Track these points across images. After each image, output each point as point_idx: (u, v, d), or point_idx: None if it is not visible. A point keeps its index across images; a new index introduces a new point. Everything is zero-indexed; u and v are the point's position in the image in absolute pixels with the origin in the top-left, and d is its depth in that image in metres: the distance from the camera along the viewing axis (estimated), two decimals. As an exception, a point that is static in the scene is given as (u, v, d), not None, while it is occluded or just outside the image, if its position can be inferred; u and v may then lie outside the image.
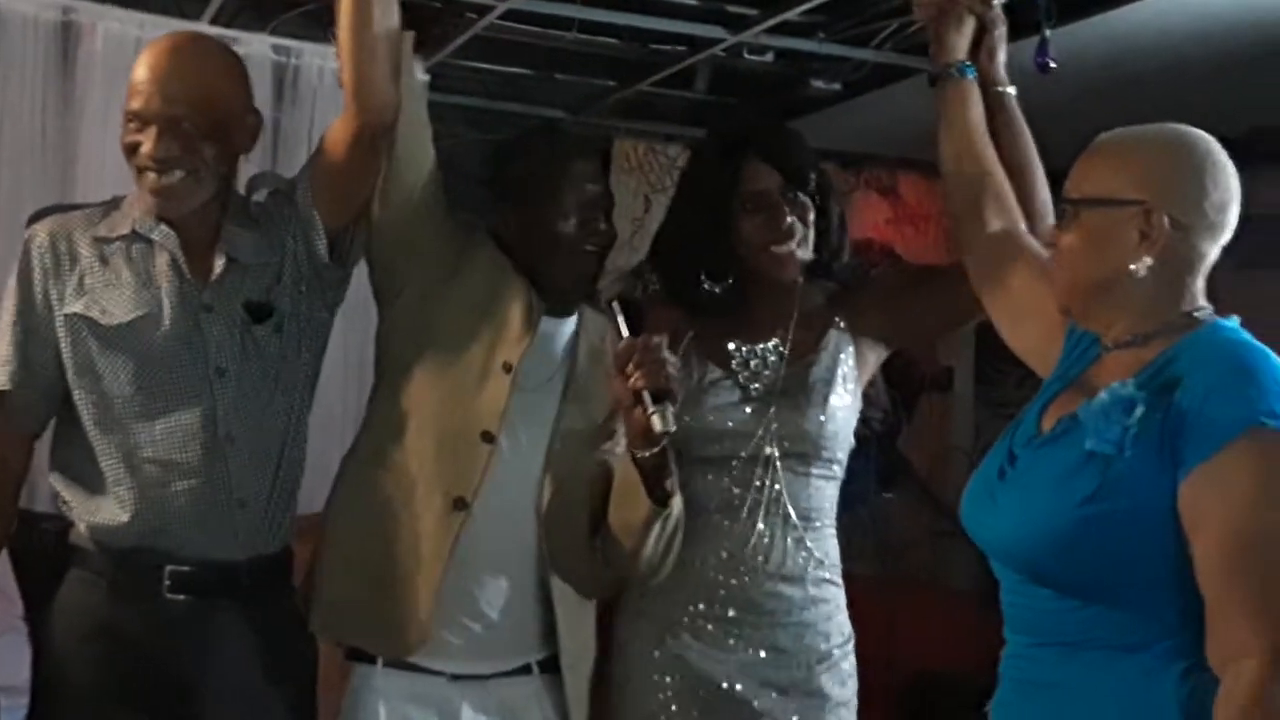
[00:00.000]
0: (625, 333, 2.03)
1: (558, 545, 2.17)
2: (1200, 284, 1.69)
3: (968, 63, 2.14)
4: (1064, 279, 1.73)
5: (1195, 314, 1.67)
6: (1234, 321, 1.67)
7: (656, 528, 2.08)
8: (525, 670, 2.20)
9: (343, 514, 2.22)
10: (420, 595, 2.12)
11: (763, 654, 2.22)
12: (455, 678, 2.16)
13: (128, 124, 2.09)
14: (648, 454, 2.03)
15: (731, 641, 2.21)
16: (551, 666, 2.21)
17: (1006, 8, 2.22)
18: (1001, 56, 2.19)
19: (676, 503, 2.10)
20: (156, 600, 2.08)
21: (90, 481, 2.10)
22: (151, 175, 2.08)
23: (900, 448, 5.26)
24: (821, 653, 2.24)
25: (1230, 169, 1.67)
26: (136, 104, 2.07)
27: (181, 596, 2.08)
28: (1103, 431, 1.59)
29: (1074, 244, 1.70)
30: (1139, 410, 1.58)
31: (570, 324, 2.26)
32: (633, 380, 1.99)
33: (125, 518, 2.07)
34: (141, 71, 2.08)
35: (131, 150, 2.08)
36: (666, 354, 2.01)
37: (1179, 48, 3.62)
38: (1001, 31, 2.19)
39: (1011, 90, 2.19)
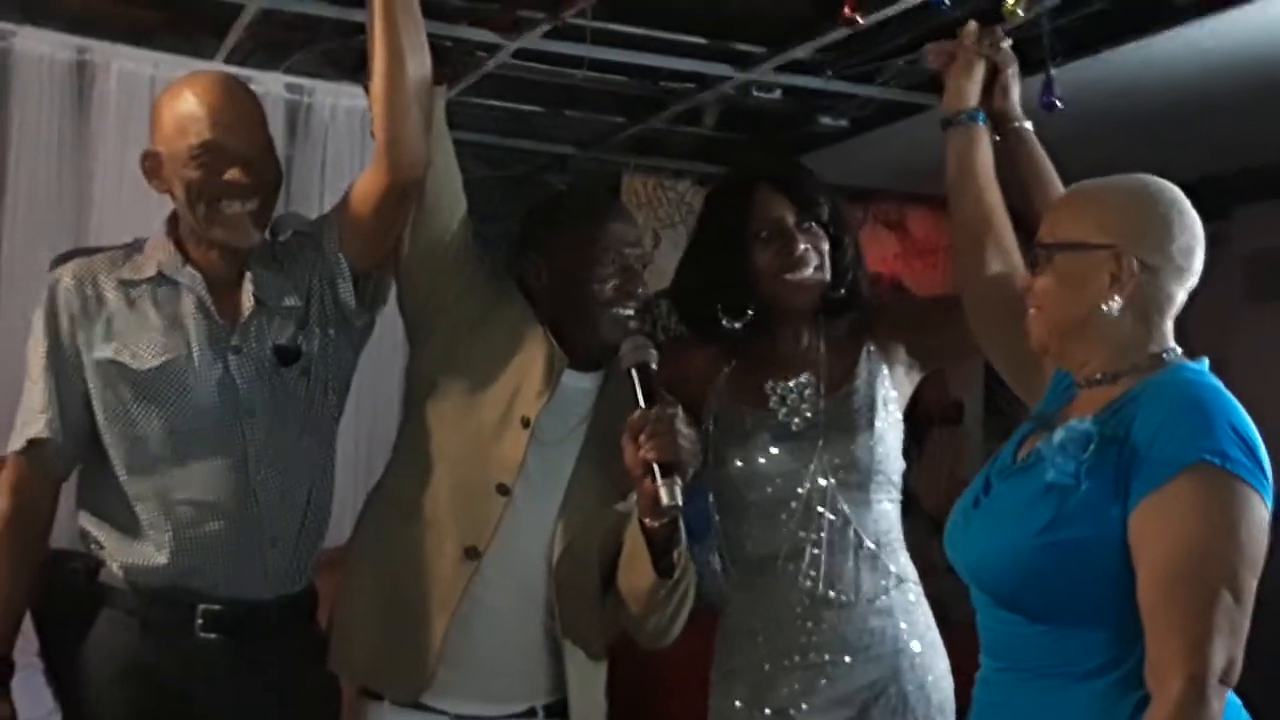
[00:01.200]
0: (641, 402, 2.02)
1: (567, 602, 2.17)
2: (1169, 325, 1.77)
3: (978, 109, 2.17)
4: (1041, 320, 1.81)
5: (1163, 355, 1.76)
6: (1202, 364, 1.76)
7: (662, 597, 2.08)
8: (531, 715, 2.20)
9: (363, 555, 2.24)
10: (429, 641, 2.13)
11: (861, 690, 2.18)
12: (459, 718, 2.16)
13: (195, 158, 2.08)
14: (656, 525, 2.03)
15: (823, 682, 2.17)
16: (558, 710, 2.21)
17: (1014, 46, 2.24)
18: (1015, 94, 2.22)
19: (688, 574, 2.10)
20: (188, 639, 2.09)
21: (123, 522, 2.11)
22: (230, 205, 2.10)
23: (910, 480, 5.26)
24: (920, 678, 2.20)
25: (1194, 215, 1.76)
26: (215, 136, 2.08)
27: (213, 635, 2.10)
28: (1061, 464, 1.68)
29: (1048, 286, 1.79)
30: (1093, 445, 1.66)
31: (592, 380, 2.25)
32: (643, 451, 1.98)
33: (162, 559, 2.09)
34: (207, 107, 2.08)
35: (206, 181, 2.08)
36: (680, 426, 2.00)
37: (1183, 85, 3.65)
38: (1014, 70, 2.22)
39: (1028, 125, 2.22)
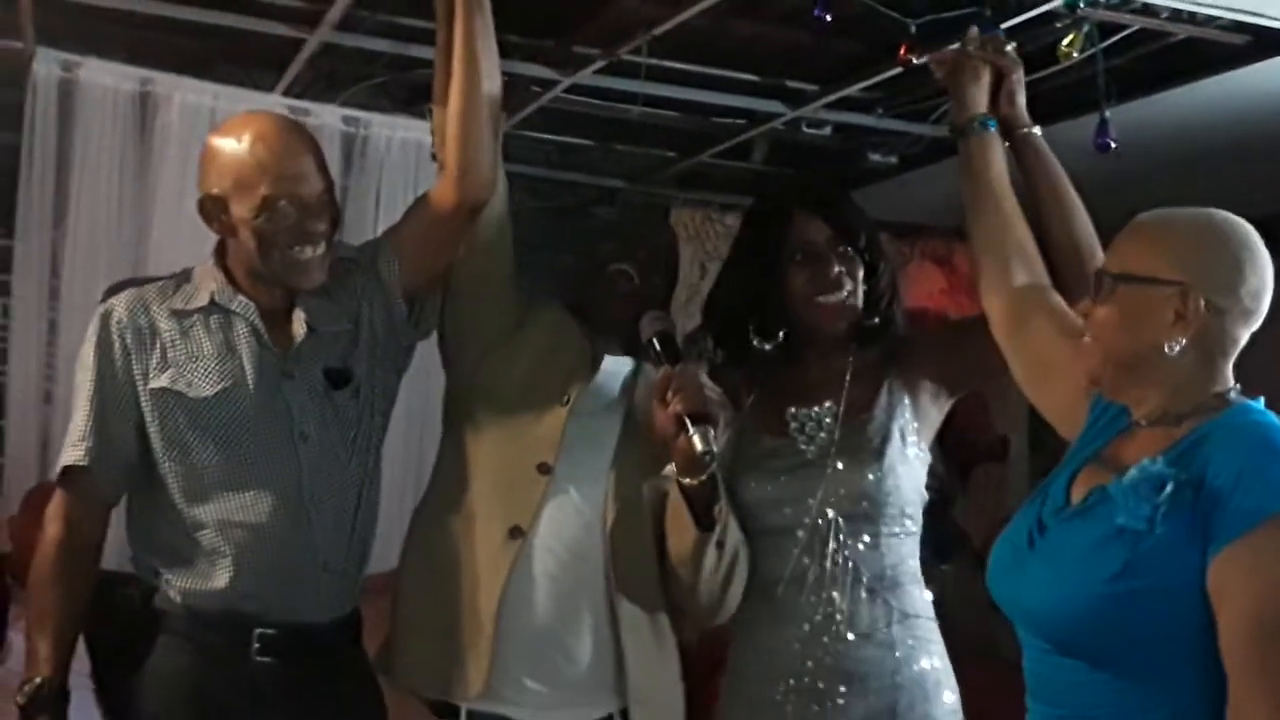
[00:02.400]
0: (666, 365, 2.06)
1: (624, 565, 2.16)
2: (1230, 366, 1.71)
3: (988, 115, 2.15)
4: (1096, 351, 1.74)
5: (1227, 394, 1.69)
6: (1259, 402, 1.69)
7: (710, 557, 2.08)
8: None
9: (411, 564, 2.26)
10: (481, 625, 2.12)
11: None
12: None
13: (272, 208, 2.08)
14: (695, 481, 2.05)
15: (816, 709, 2.16)
16: None
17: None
18: (1021, 99, 2.18)
19: (732, 533, 2.10)
20: (245, 663, 2.10)
21: (180, 548, 2.12)
22: (306, 252, 2.12)
23: (956, 518, 5.23)
24: (918, 715, 2.18)
25: (1266, 256, 1.69)
26: (285, 188, 2.08)
27: (269, 659, 2.11)
28: (1134, 508, 1.60)
29: (1109, 318, 1.71)
30: (1169, 488, 1.59)
31: (628, 363, 2.30)
32: (672, 405, 2.01)
33: (220, 583, 2.10)
34: (273, 156, 2.09)
35: (278, 232, 2.09)
36: (705, 380, 2.03)
37: (1236, 126, 3.64)
38: (1019, 75, 2.18)
39: (1037, 130, 2.18)
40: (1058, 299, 1.99)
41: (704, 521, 2.07)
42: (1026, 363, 1.97)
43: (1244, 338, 1.70)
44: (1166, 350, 1.67)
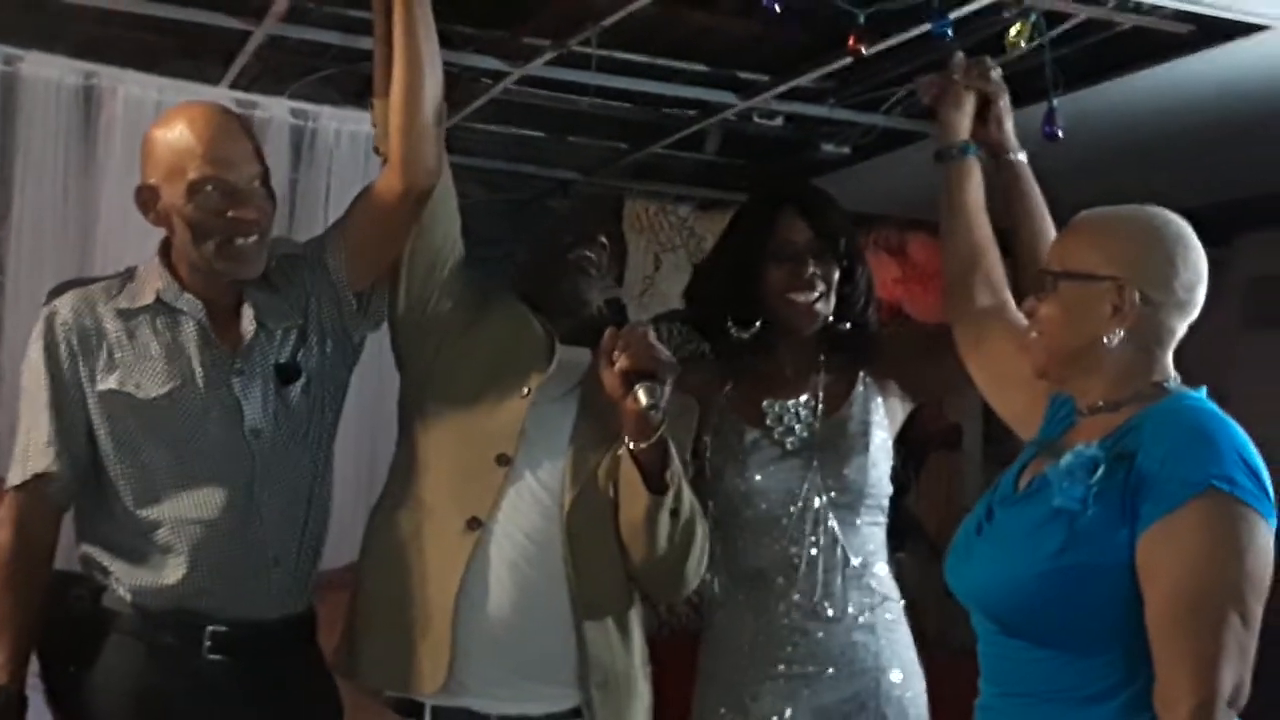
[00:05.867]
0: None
1: (583, 556, 2.15)
2: (1169, 356, 1.79)
3: (970, 143, 2.21)
4: (1041, 345, 1.84)
5: (1165, 383, 1.77)
6: (1201, 392, 1.78)
7: (663, 525, 2.08)
8: (576, 714, 2.17)
9: (368, 559, 2.25)
10: (439, 618, 2.12)
11: (842, 704, 2.23)
12: (503, 718, 2.15)
13: (200, 192, 2.07)
14: (645, 445, 2.05)
15: (807, 692, 2.23)
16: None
17: (1012, 75, 2.27)
18: (1009, 125, 2.25)
19: (686, 501, 2.10)
20: (196, 661, 2.10)
21: (131, 548, 2.11)
22: (239, 240, 2.10)
23: (910, 506, 5.27)
24: (899, 691, 2.26)
25: (1199, 251, 1.78)
26: (214, 172, 2.07)
27: (220, 657, 2.10)
28: (1068, 489, 1.69)
29: (1051, 314, 1.81)
30: (1100, 470, 1.68)
31: (587, 354, 2.28)
32: (619, 363, 2.01)
33: (172, 580, 2.09)
34: (202, 142, 2.08)
35: (211, 219, 2.08)
36: (651, 338, 2.04)
37: (1184, 115, 3.67)
38: (1005, 101, 2.25)
39: (1023, 157, 2.24)
40: (1017, 315, 2.08)
41: (655, 485, 2.06)
42: (989, 376, 2.09)
43: (1180, 329, 1.79)
44: (1105, 342, 1.76)
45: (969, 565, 1.84)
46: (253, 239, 2.12)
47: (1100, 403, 1.78)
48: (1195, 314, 1.79)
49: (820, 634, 2.24)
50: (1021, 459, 1.90)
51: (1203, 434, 1.66)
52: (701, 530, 2.16)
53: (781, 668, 2.24)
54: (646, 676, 2.27)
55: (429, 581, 2.15)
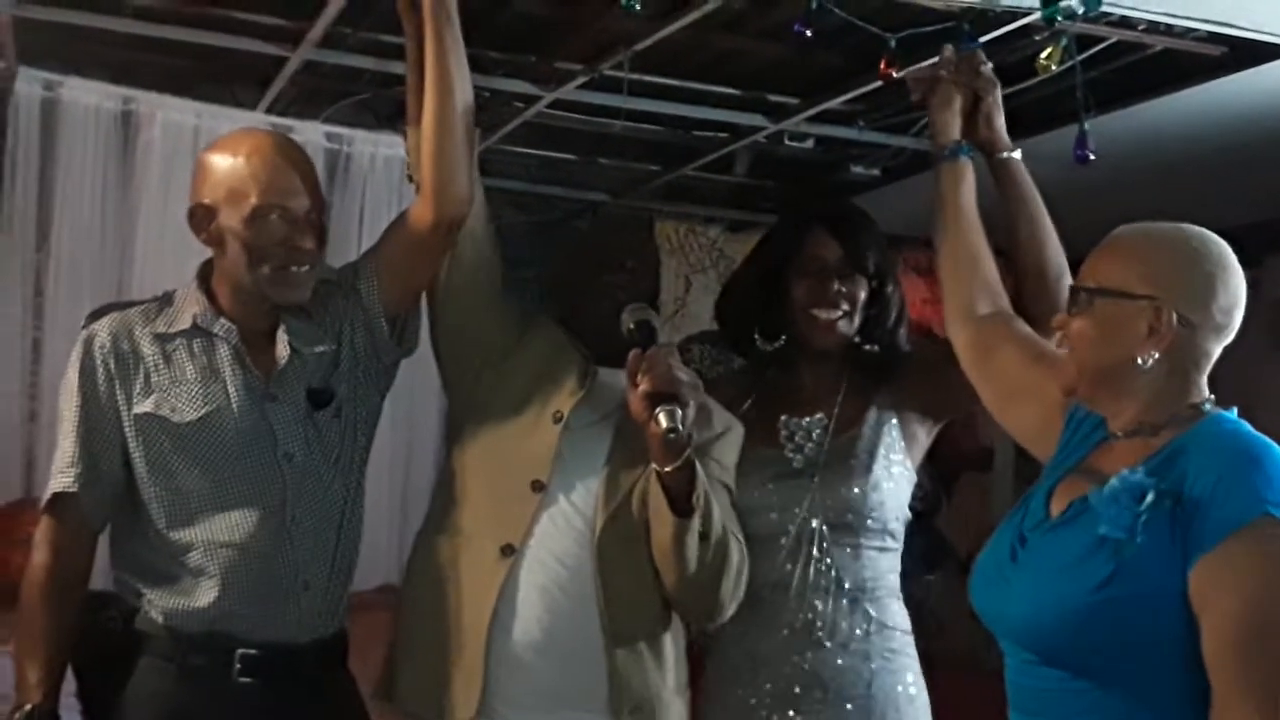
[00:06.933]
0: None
1: (614, 580, 2.13)
2: (1204, 379, 1.74)
3: (961, 143, 2.17)
4: (1072, 363, 1.78)
5: (1201, 405, 1.72)
6: (1232, 412, 1.73)
7: (691, 548, 2.06)
8: None
9: (408, 584, 2.26)
10: (472, 645, 2.11)
11: None
12: None
13: (263, 218, 2.09)
14: (671, 468, 2.03)
15: (794, 715, 2.21)
16: None
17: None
18: (999, 121, 2.19)
19: (717, 525, 2.07)
20: (226, 684, 2.10)
21: (164, 570, 2.12)
22: (294, 268, 2.12)
23: (940, 527, 5.25)
24: None
25: (1239, 273, 1.72)
26: (277, 200, 2.09)
27: (250, 680, 2.11)
28: (1114, 517, 1.63)
29: (1085, 330, 1.75)
30: (1150, 497, 1.61)
31: (623, 376, 2.27)
32: (641, 386, 2.00)
33: (204, 603, 2.10)
34: (267, 170, 2.10)
35: (270, 246, 2.09)
36: (675, 361, 2.02)
37: (1215, 136, 3.66)
38: (996, 96, 2.19)
39: (1016, 155, 2.19)
40: (1023, 326, 2.03)
41: (680, 508, 2.05)
42: (997, 390, 2.02)
43: (1216, 352, 1.73)
44: (1140, 363, 1.70)
45: (1003, 593, 1.77)
46: (305, 268, 2.15)
47: (1135, 425, 1.72)
48: (1231, 337, 1.73)
49: (811, 656, 2.22)
50: (1048, 480, 1.83)
51: (1253, 459, 1.61)
52: (738, 552, 2.13)
53: (769, 686, 2.23)
54: (685, 699, 2.25)
55: (464, 608, 2.15)
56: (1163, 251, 1.73)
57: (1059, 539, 1.73)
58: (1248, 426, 1.70)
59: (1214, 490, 1.59)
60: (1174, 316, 1.68)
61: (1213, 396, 1.74)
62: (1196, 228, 1.75)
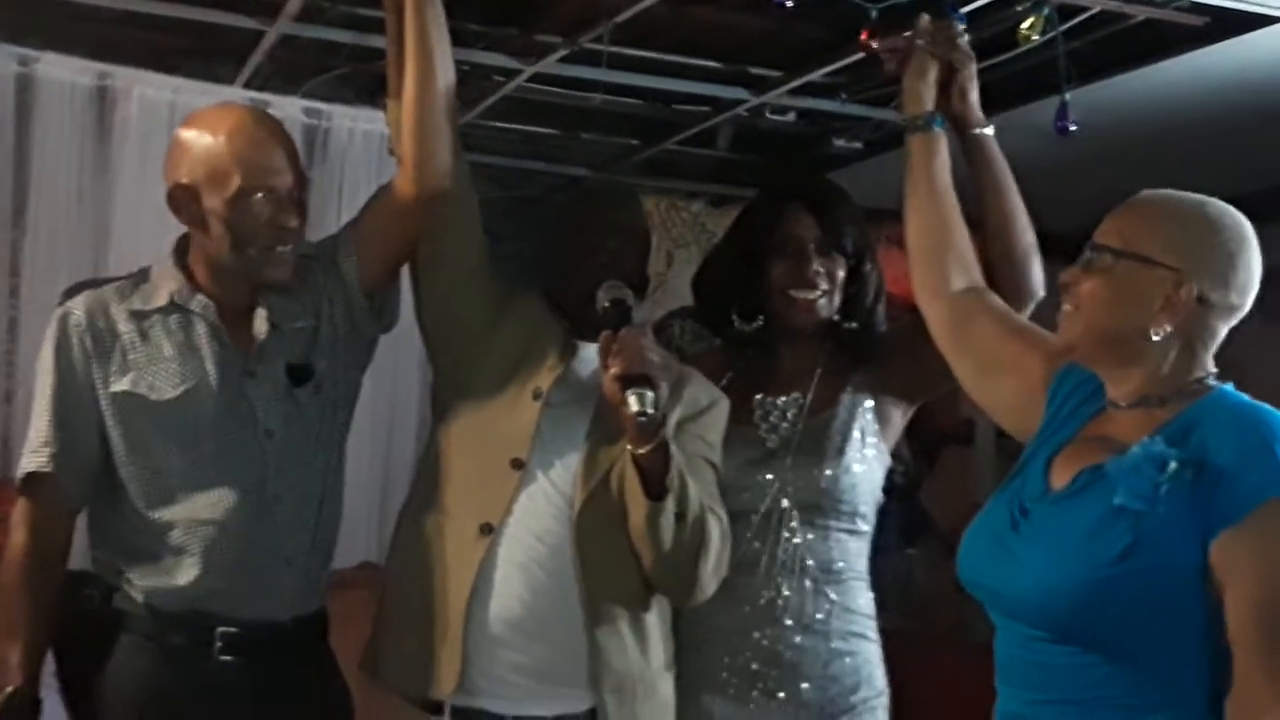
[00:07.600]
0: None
1: (592, 558, 2.13)
2: (1210, 356, 1.71)
3: (936, 114, 2.14)
4: (1078, 320, 1.74)
5: (1205, 379, 1.70)
6: (1229, 386, 1.70)
7: (666, 529, 2.06)
8: (591, 716, 2.15)
9: (392, 560, 2.27)
10: (452, 620, 2.12)
11: (785, 707, 2.23)
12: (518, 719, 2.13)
13: (248, 199, 2.07)
14: (644, 450, 2.03)
15: (755, 693, 2.22)
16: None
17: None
18: (974, 96, 2.17)
19: (694, 506, 2.07)
20: (207, 662, 2.10)
21: (144, 549, 2.11)
22: (280, 248, 2.11)
23: (922, 501, 5.25)
24: (845, 705, 2.24)
25: (1259, 255, 1.70)
26: (266, 179, 2.07)
27: (231, 658, 2.11)
28: (1134, 486, 1.60)
29: (1097, 291, 1.71)
30: (1172, 466, 1.59)
31: None
32: (612, 368, 2.00)
33: (184, 581, 2.09)
34: (257, 146, 2.08)
35: (256, 226, 2.08)
36: (647, 344, 2.02)
37: (1199, 107, 3.66)
38: (971, 70, 2.16)
39: (989, 131, 2.17)
40: (997, 299, 2.02)
41: (654, 490, 2.04)
42: (972, 364, 1.99)
43: (1223, 332, 1.71)
44: (1152, 335, 1.66)
45: (1006, 567, 1.72)
46: (290, 246, 2.13)
47: (1139, 397, 1.69)
48: (1239, 318, 1.71)
49: (772, 635, 2.23)
50: (1045, 451, 1.79)
51: (1272, 432, 1.59)
52: (718, 532, 2.13)
53: (727, 660, 2.23)
54: (670, 679, 2.25)
55: (445, 585, 2.15)
56: (1191, 223, 1.69)
57: (1069, 510, 1.69)
58: (1249, 399, 1.68)
59: (1237, 462, 1.57)
60: (1194, 290, 1.65)
61: (1216, 370, 1.72)
62: (1222, 203, 1.72)
